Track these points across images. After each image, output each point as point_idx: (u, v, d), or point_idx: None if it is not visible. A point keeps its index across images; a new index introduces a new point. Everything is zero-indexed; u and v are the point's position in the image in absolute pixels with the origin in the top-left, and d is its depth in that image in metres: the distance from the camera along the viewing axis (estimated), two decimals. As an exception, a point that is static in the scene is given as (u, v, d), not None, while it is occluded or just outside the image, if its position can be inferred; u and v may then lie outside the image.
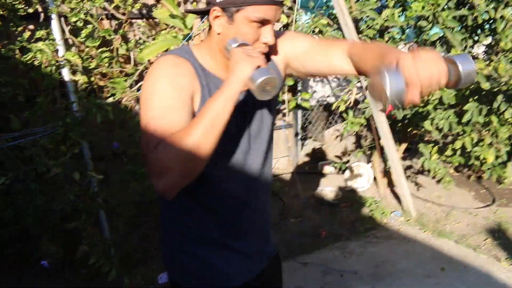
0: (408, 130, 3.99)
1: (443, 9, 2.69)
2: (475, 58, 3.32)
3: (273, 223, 3.53)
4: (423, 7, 2.69)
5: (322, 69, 1.37)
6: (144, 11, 3.55)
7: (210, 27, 1.27)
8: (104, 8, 3.23)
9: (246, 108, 1.35)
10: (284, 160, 5.15)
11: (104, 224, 3.00)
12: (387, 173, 4.30)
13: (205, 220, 1.39)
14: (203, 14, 1.42)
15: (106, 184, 2.87)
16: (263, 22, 1.21)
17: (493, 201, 4.19)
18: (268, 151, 1.45)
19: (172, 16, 2.97)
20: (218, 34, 1.23)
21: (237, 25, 1.20)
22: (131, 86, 2.88)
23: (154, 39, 3.23)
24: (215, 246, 1.43)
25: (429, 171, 4.85)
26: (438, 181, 4.65)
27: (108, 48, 3.06)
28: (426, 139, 3.98)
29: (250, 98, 1.31)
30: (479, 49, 3.31)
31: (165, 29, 3.28)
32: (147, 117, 1.16)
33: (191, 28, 2.93)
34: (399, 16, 3.33)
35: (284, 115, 4.87)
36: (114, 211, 2.91)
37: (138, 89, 2.87)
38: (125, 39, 3.33)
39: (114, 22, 3.39)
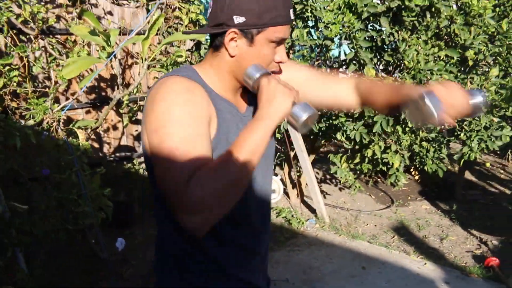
0: (316, 142, 4.27)
1: (356, 31, 2.97)
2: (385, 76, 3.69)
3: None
4: (341, 29, 2.95)
5: (324, 99, 1.42)
6: (58, 27, 3.34)
7: (215, 47, 1.22)
8: (11, 23, 2.98)
9: None
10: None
11: (20, 257, 2.73)
12: (295, 184, 4.54)
13: (215, 255, 1.30)
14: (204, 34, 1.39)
15: (28, 214, 2.63)
16: (281, 42, 1.21)
17: (392, 202, 4.64)
18: (271, 171, 1.44)
19: (93, 32, 2.85)
20: (232, 56, 1.19)
21: (258, 47, 1.18)
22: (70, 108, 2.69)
23: (67, 56, 3.07)
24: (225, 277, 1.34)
25: (331, 179, 5.23)
26: (341, 189, 5.03)
27: (17, 66, 2.83)
28: (333, 149, 4.29)
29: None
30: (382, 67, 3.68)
31: (83, 46, 3.12)
32: (167, 148, 1.07)
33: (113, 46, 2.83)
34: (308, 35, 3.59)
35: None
36: (37, 242, 2.67)
37: (63, 109, 2.69)
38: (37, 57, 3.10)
39: (23, 38, 3.14)
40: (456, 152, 3.97)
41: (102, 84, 4.09)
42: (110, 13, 4.03)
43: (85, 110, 3.98)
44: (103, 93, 4.12)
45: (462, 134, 3.79)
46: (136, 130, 4.40)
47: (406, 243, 3.80)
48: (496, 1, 3.40)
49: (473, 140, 3.66)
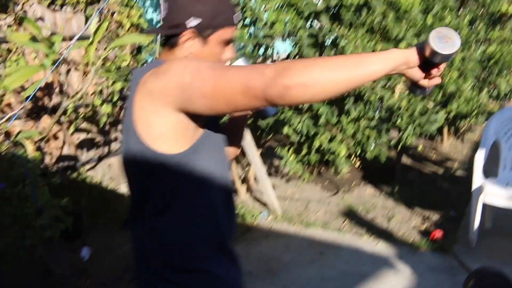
0: (262, 137, 4.36)
1: (299, 28, 3.09)
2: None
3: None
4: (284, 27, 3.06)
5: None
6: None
7: (170, 46, 1.28)
8: None
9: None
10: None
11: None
12: (244, 179, 4.62)
13: (208, 225, 1.33)
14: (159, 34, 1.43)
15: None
16: (229, 42, 1.31)
17: (337, 189, 4.84)
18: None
19: (34, 39, 2.74)
20: (186, 55, 1.27)
21: (210, 46, 1.27)
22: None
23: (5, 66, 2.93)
24: (217, 251, 1.37)
25: (276, 172, 5.35)
26: (287, 181, 5.16)
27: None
28: (276, 144, 4.40)
29: None
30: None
31: (19, 54, 2.99)
32: (225, 68, 1.10)
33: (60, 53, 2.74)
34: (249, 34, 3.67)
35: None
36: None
37: (8, 120, 2.57)
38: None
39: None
40: (393, 138, 4.23)
41: (37, 93, 3.91)
42: (42, 19, 3.86)
43: (23, 121, 3.79)
44: (40, 102, 3.95)
45: (399, 121, 4.04)
46: (78, 139, 4.25)
47: (357, 226, 4.00)
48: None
49: (408, 127, 3.92)
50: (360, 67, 1.02)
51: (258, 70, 1.03)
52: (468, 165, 5.40)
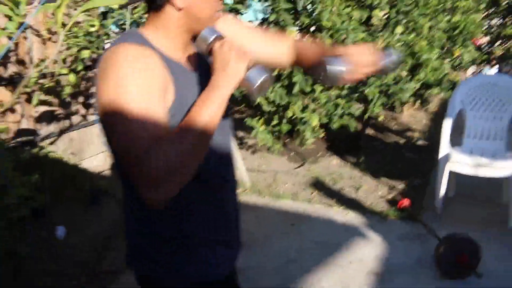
0: (231, 107, 4.28)
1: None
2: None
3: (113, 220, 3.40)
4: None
5: (262, 56, 1.40)
6: None
7: (155, 8, 1.18)
8: None
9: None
10: (102, 157, 4.86)
11: None
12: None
13: (190, 219, 1.30)
14: None
15: None
16: None
17: (304, 160, 4.87)
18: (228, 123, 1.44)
19: (-6, 2, 2.51)
20: (180, 9, 1.16)
21: None
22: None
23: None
24: (201, 240, 1.33)
25: (242, 144, 5.31)
26: (253, 152, 5.14)
27: None
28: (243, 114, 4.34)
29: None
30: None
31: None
32: (123, 119, 1.05)
33: (25, 16, 2.53)
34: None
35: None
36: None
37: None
38: None
39: None
40: (358, 108, 4.28)
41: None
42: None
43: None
44: (-6, 72, 3.66)
45: (367, 90, 4.07)
46: (37, 112, 4.00)
47: (326, 197, 4.04)
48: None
49: (376, 96, 3.96)
50: (210, 127, 1.09)
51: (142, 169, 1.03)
52: (429, 135, 5.58)
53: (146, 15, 1.26)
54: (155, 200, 1.04)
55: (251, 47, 1.32)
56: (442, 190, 3.55)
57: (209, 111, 1.08)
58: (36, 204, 2.43)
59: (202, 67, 1.28)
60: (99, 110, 1.11)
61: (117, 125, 1.06)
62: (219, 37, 1.16)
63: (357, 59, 1.29)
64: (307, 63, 1.43)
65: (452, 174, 3.60)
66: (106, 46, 4.25)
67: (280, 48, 1.47)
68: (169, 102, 1.13)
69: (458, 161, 3.49)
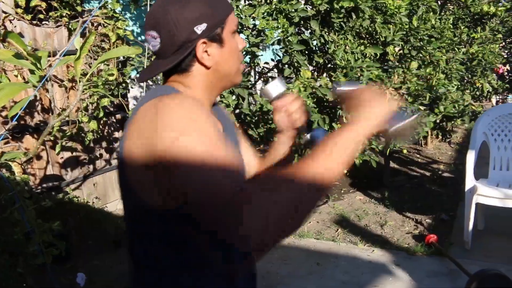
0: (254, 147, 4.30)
1: (290, 35, 3.06)
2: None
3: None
4: (278, 33, 3.02)
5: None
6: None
7: (181, 71, 1.10)
8: None
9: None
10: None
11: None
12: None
13: None
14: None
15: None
16: (235, 30, 1.15)
17: (327, 197, 4.81)
18: None
19: (18, 56, 2.62)
20: (208, 68, 1.10)
21: (228, 44, 1.11)
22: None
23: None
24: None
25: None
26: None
27: None
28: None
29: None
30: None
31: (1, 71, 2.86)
32: (201, 156, 0.90)
33: (49, 67, 2.64)
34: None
35: (120, 153, 4.68)
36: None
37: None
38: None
39: None
40: (380, 143, 4.23)
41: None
42: (21, 34, 3.73)
43: (4, 141, 3.64)
44: (22, 121, 3.80)
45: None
46: (62, 158, 4.11)
47: (351, 234, 3.96)
48: (410, 0, 3.70)
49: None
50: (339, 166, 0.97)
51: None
52: (454, 167, 5.46)
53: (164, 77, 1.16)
54: (262, 251, 0.91)
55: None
56: (471, 224, 3.44)
57: (341, 146, 0.98)
58: (57, 252, 2.45)
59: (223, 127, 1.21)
60: (149, 163, 0.95)
61: (192, 165, 0.90)
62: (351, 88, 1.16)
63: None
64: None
65: (480, 207, 3.50)
66: (130, 93, 4.38)
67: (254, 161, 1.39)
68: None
69: (484, 194, 3.40)
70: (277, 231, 0.89)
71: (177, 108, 0.94)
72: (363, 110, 1.06)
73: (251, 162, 1.34)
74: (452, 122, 4.35)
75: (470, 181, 3.50)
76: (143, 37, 4.48)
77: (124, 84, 3.45)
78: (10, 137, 3.68)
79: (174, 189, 0.95)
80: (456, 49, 4.36)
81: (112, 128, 4.51)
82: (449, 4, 4.98)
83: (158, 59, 1.10)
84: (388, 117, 1.05)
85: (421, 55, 3.69)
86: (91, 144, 4.13)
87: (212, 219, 0.91)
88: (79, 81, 2.63)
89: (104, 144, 4.43)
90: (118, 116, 4.53)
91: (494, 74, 5.01)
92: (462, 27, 4.46)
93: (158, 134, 0.93)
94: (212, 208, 0.89)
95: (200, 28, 1.05)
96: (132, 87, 3.91)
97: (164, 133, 0.92)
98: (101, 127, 3.86)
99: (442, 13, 4.63)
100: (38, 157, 3.94)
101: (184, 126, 0.92)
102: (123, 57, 3.43)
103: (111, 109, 4.32)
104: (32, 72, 2.64)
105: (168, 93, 1.03)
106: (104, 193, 4.50)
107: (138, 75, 3.91)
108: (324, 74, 3.72)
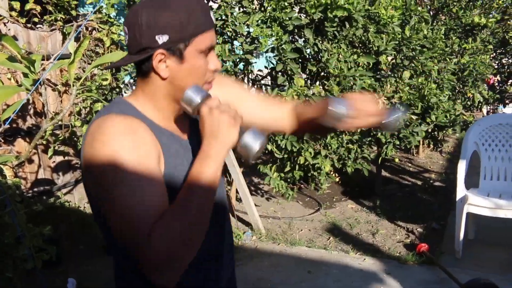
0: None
1: (284, 43, 3.08)
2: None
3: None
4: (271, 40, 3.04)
5: (256, 119, 1.35)
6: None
7: (143, 74, 1.12)
8: None
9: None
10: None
11: None
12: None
13: None
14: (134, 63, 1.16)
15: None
16: (210, 49, 1.12)
17: (319, 205, 4.82)
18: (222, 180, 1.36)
19: (12, 59, 2.62)
20: (164, 79, 1.10)
21: (189, 62, 1.09)
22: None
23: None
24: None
25: (257, 190, 5.30)
26: (268, 199, 5.11)
27: None
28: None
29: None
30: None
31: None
32: (119, 201, 0.99)
33: (42, 70, 2.63)
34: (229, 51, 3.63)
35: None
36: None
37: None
38: None
39: None
40: (372, 152, 4.27)
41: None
42: (15, 37, 3.72)
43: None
44: (14, 125, 3.78)
45: (379, 134, 4.07)
46: (54, 162, 4.09)
47: (343, 242, 3.97)
48: (402, 10, 3.75)
49: (388, 139, 3.96)
50: (209, 196, 1.05)
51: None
52: (445, 176, 5.50)
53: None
54: (167, 281, 0.98)
55: (246, 109, 1.28)
56: (461, 233, 3.46)
57: (204, 180, 1.03)
58: (47, 256, 2.43)
59: (195, 132, 1.19)
60: (89, 183, 1.08)
61: (113, 208, 1.00)
62: (206, 97, 1.08)
63: (361, 106, 1.23)
64: (311, 121, 1.34)
65: (470, 216, 3.52)
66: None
67: (279, 113, 1.41)
68: (161, 172, 1.08)
69: (475, 203, 3.42)
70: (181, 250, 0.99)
71: (105, 136, 1.02)
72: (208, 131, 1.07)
73: (277, 117, 1.40)
74: (444, 131, 4.38)
75: (461, 190, 3.52)
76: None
77: (118, 89, 3.45)
78: (2, 140, 3.66)
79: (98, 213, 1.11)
80: (447, 59, 4.41)
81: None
82: (441, 15, 5.04)
83: (128, 53, 1.13)
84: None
85: (413, 64, 3.73)
86: (83, 149, 4.11)
87: (124, 246, 1.02)
88: (73, 85, 2.62)
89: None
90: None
91: (485, 85, 5.06)
92: (453, 38, 4.52)
93: (88, 161, 1.04)
94: (121, 238, 1.02)
95: (161, 39, 1.05)
96: (125, 92, 3.91)
97: (91, 161, 1.03)
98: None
99: (434, 24, 4.68)
100: (30, 161, 3.92)
101: (108, 157, 1.00)
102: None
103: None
104: (25, 75, 2.64)
105: (111, 111, 1.09)
106: (96, 198, 4.48)
107: (131, 79, 3.92)
108: (317, 83, 3.75)
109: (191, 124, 1.23)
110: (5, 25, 3.19)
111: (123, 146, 1.01)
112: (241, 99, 1.34)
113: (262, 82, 3.81)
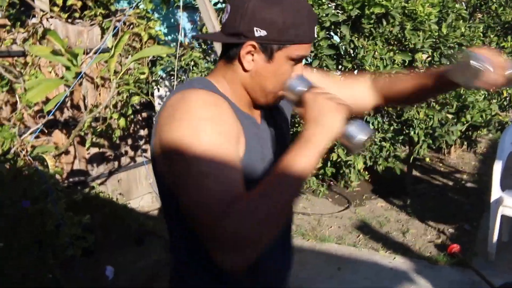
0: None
1: (321, 39, 3.08)
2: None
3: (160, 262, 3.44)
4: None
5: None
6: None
7: (228, 58, 1.11)
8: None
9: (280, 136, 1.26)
10: (149, 197, 4.98)
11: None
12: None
13: None
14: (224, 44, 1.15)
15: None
16: (300, 60, 1.12)
17: (349, 203, 4.80)
18: None
19: (55, 52, 2.70)
20: (246, 71, 1.09)
21: (276, 64, 1.08)
22: (20, 134, 2.50)
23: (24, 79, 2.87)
24: None
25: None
26: (297, 194, 5.11)
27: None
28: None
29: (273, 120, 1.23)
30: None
31: (36, 67, 2.94)
32: (197, 175, 0.94)
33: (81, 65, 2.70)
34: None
35: (144, 151, 4.73)
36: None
37: (33, 134, 2.51)
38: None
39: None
40: (403, 150, 4.23)
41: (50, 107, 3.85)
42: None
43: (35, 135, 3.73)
44: (52, 116, 3.88)
45: (412, 133, 4.03)
46: (88, 153, 4.19)
47: (372, 241, 3.95)
48: (440, 7, 3.69)
49: (421, 138, 3.91)
50: (299, 184, 0.99)
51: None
52: (478, 177, 5.40)
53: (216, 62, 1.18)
54: (232, 266, 0.91)
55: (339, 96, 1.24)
56: (495, 235, 3.40)
57: (298, 167, 0.96)
58: (86, 244, 2.50)
59: (270, 121, 1.23)
60: (165, 155, 1.02)
61: (190, 181, 0.95)
62: (311, 87, 1.08)
63: (494, 60, 1.13)
64: (406, 92, 1.32)
65: (505, 218, 3.46)
66: (155, 92, 4.45)
67: (362, 90, 1.39)
68: (240, 154, 1.05)
69: (511, 206, 3.36)
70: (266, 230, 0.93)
71: (189, 107, 1.00)
72: (314, 120, 1.02)
73: (358, 94, 1.36)
74: (478, 131, 4.30)
75: (496, 192, 3.46)
76: (169, 37, 4.55)
77: (154, 83, 3.51)
78: (41, 132, 3.76)
79: (172, 182, 1.03)
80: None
81: (138, 126, 4.58)
82: (478, 13, 4.94)
83: (221, 31, 1.12)
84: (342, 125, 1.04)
85: (451, 63, 3.68)
86: (117, 141, 4.20)
87: (195, 224, 0.96)
88: (112, 79, 2.68)
89: (129, 141, 4.50)
90: (144, 114, 4.59)
91: (522, 85, 4.94)
92: (491, 36, 4.43)
93: (165, 130, 1.00)
94: (194, 215, 0.95)
95: (259, 32, 1.04)
96: (160, 87, 3.97)
97: (169, 130, 0.99)
98: (127, 124, 3.92)
99: (471, 21, 4.59)
100: (66, 152, 4.02)
101: (190, 126, 0.97)
102: (153, 56, 3.49)
103: (138, 107, 4.39)
104: (67, 68, 2.71)
105: (195, 86, 1.08)
106: (128, 189, 4.57)
107: (165, 73, 3.97)
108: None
109: (265, 114, 1.22)
110: (47, 20, 3.28)
111: (205, 119, 0.98)
112: (329, 85, 1.28)
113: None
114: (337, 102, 1.03)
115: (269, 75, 1.09)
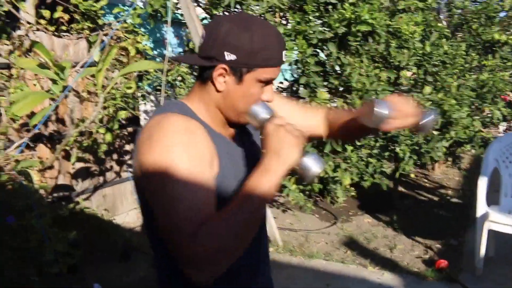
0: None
1: (308, 56, 3.11)
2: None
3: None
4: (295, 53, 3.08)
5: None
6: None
7: (202, 79, 1.19)
8: None
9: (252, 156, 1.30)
10: (134, 213, 4.91)
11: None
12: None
13: None
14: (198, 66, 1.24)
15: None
16: (269, 82, 1.19)
17: (336, 219, 4.80)
18: None
19: (42, 66, 2.67)
20: (219, 91, 1.16)
21: (245, 86, 1.15)
22: (5, 148, 2.45)
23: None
24: None
25: (272, 202, 5.28)
26: (284, 211, 5.10)
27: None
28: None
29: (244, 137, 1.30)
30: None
31: (22, 80, 2.90)
32: (170, 197, 1.03)
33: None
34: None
35: (129, 166, 4.68)
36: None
37: (18, 148, 2.46)
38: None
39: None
40: (389, 166, 4.25)
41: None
42: (40, 45, 3.78)
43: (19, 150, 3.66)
44: (37, 130, 3.82)
45: (398, 149, 4.07)
46: (73, 168, 4.12)
47: (360, 257, 3.94)
48: (423, 26, 3.77)
49: (407, 154, 3.95)
50: (259, 210, 1.08)
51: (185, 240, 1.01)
52: (462, 192, 5.46)
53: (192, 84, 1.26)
54: (203, 280, 1.01)
55: (293, 121, 1.28)
56: (482, 250, 3.43)
57: (259, 193, 1.05)
58: (72, 261, 2.45)
59: (242, 140, 1.29)
60: (142, 176, 1.09)
61: (163, 202, 1.04)
62: (273, 116, 1.15)
63: (401, 107, 1.26)
64: (342, 128, 1.43)
65: (491, 233, 3.49)
66: (141, 107, 4.42)
67: (314, 120, 1.48)
68: (214, 173, 1.12)
69: (497, 221, 3.39)
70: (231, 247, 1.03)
71: (164, 131, 1.08)
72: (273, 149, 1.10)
73: (313, 124, 1.47)
74: (462, 147, 4.36)
75: (482, 207, 3.50)
76: (155, 52, 4.54)
77: (141, 97, 3.49)
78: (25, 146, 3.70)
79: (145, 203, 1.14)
80: (466, 75, 4.41)
81: (124, 141, 4.53)
82: (460, 32, 5.05)
83: (197, 54, 1.19)
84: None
85: (435, 80, 3.74)
86: (103, 156, 4.14)
87: (167, 241, 1.06)
88: (100, 93, 2.66)
89: (115, 156, 4.44)
90: (130, 129, 4.55)
91: (503, 102, 5.05)
92: (473, 54, 4.53)
93: (143, 154, 1.08)
94: (166, 233, 1.05)
95: (229, 56, 1.12)
96: (146, 102, 3.95)
97: (146, 154, 1.07)
98: (113, 139, 3.88)
99: (453, 40, 4.69)
100: (50, 167, 3.95)
101: (164, 151, 1.05)
102: (140, 71, 3.47)
103: (124, 122, 4.35)
104: (54, 82, 2.68)
105: (171, 110, 1.15)
106: (113, 205, 4.49)
107: (152, 89, 3.95)
108: (337, 96, 3.76)
109: (237, 132, 1.28)
110: (33, 32, 3.24)
111: (178, 144, 1.06)
112: (286, 110, 1.38)
113: (284, 94, 3.83)
114: (296, 135, 1.11)
115: (239, 96, 1.16)
